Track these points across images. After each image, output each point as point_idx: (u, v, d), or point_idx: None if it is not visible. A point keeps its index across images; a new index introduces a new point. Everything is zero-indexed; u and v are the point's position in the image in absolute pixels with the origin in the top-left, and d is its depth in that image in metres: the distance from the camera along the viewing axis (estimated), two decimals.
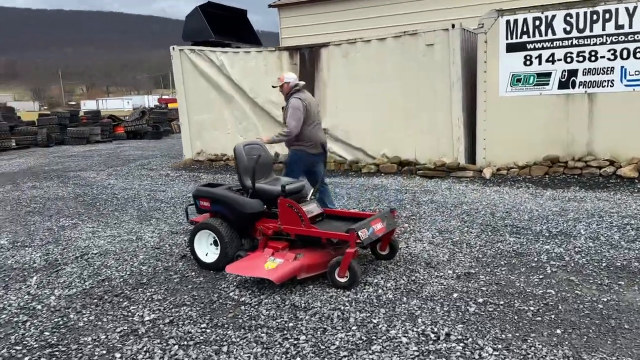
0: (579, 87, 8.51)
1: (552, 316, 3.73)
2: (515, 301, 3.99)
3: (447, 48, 9.19)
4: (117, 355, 3.36)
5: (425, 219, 6.54)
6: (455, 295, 4.13)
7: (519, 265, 4.79)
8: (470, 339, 3.40)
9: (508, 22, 8.77)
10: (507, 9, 8.88)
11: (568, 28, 8.45)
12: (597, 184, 8.15)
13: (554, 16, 8.49)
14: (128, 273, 4.85)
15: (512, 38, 8.80)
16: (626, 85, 8.25)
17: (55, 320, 3.89)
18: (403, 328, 3.58)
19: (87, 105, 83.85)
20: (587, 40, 8.36)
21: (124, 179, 10.83)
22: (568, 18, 8.42)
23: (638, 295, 4.02)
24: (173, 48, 11.93)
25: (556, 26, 8.51)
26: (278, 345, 3.41)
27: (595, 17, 8.25)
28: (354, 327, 3.61)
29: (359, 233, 4.24)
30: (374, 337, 3.46)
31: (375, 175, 9.86)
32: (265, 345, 3.41)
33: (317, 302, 4.03)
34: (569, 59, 8.52)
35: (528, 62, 8.78)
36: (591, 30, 8.31)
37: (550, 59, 8.68)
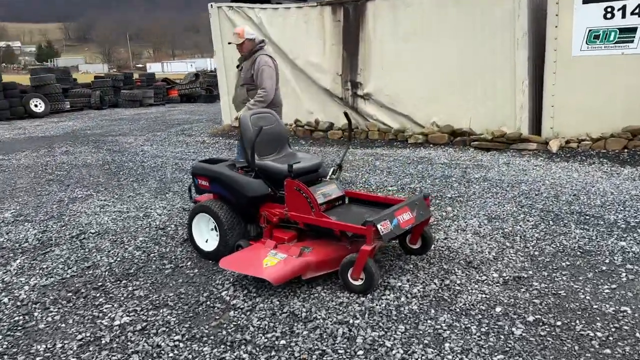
0: None
1: (627, 349, 2.78)
2: (577, 322, 3.06)
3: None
4: None
5: (473, 201, 5.57)
6: (498, 309, 3.24)
7: (586, 268, 3.81)
8: None
9: None
10: None
11: None
12: None
13: None
14: (118, 259, 4.26)
15: None
16: None
17: (16, 319, 3.34)
18: (423, 357, 2.76)
19: (153, 68, 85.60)
20: None
21: (158, 145, 10.38)
22: None
23: None
24: (211, 5, 11.19)
25: None
26: None
27: None
28: (359, 352, 2.82)
29: (379, 226, 3.40)
30: None
31: (422, 147, 8.85)
32: None
33: (321, 311, 3.26)
34: None
35: (609, 15, 7.39)
36: None
37: (637, 11, 7.25)
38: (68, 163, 8.56)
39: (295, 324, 3.13)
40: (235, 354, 2.86)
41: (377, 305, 3.32)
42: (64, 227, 5.12)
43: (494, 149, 8.20)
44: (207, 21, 11.55)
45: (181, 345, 2.97)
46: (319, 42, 10.00)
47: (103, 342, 3.03)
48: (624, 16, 7.34)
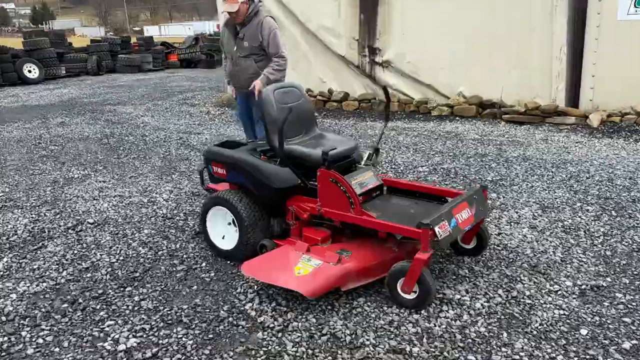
0: None
1: None
2: None
3: None
4: None
5: (519, 185, 4.96)
6: (584, 331, 2.67)
7: None
8: None
9: None
10: None
11: None
12: None
13: None
14: (121, 258, 3.67)
15: None
16: None
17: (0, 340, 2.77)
18: None
19: (150, 31, 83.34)
20: None
21: (160, 115, 9.69)
22: None
23: None
24: None
25: None
26: None
27: None
28: None
29: (437, 229, 2.79)
30: None
31: (448, 119, 8.17)
32: None
33: (369, 333, 2.69)
34: None
35: None
36: None
37: None
38: (63, 136, 7.90)
39: (339, 352, 2.56)
40: None
41: (435, 325, 2.75)
42: (58, 216, 4.52)
43: (527, 123, 7.53)
44: None
45: None
46: (333, 4, 9.18)
47: None
48: None
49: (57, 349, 2.68)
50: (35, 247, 3.91)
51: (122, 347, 2.66)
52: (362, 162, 3.67)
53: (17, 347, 2.70)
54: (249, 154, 3.50)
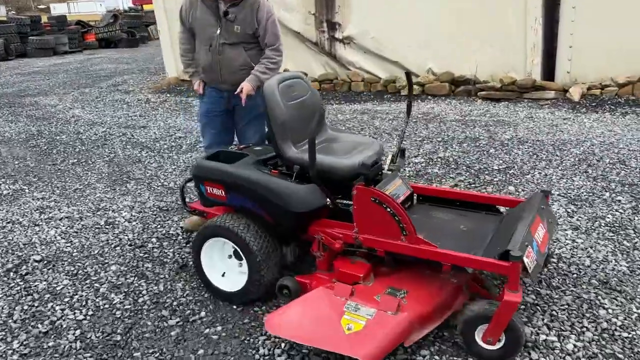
0: None
1: None
2: None
3: None
4: None
5: (531, 175, 4.47)
6: None
7: None
8: None
9: None
10: None
11: None
12: None
13: None
14: (90, 313, 2.81)
15: None
16: None
17: None
18: None
19: (58, 9, 77.15)
20: None
21: (92, 107, 8.49)
22: None
23: None
24: None
25: None
26: None
27: None
28: None
29: (525, 259, 2.18)
30: None
31: (419, 99, 7.61)
32: None
33: None
34: None
35: None
36: None
37: None
38: None
39: None
40: None
41: None
42: None
43: (504, 99, 7.11)
44: None
45: None
46: None
47: None
48: None
49: None
50: None
51: None
52: (386, 167, 3.00)
53: None
54: (254, 169, 2.71)
